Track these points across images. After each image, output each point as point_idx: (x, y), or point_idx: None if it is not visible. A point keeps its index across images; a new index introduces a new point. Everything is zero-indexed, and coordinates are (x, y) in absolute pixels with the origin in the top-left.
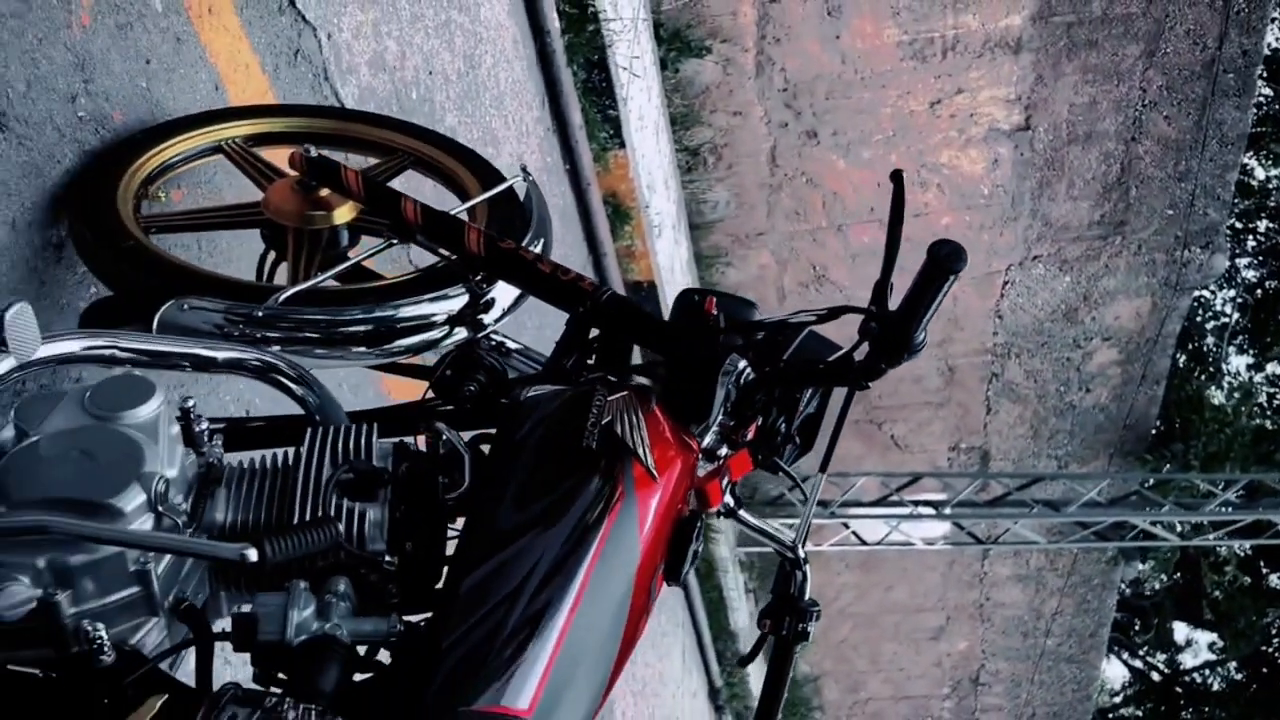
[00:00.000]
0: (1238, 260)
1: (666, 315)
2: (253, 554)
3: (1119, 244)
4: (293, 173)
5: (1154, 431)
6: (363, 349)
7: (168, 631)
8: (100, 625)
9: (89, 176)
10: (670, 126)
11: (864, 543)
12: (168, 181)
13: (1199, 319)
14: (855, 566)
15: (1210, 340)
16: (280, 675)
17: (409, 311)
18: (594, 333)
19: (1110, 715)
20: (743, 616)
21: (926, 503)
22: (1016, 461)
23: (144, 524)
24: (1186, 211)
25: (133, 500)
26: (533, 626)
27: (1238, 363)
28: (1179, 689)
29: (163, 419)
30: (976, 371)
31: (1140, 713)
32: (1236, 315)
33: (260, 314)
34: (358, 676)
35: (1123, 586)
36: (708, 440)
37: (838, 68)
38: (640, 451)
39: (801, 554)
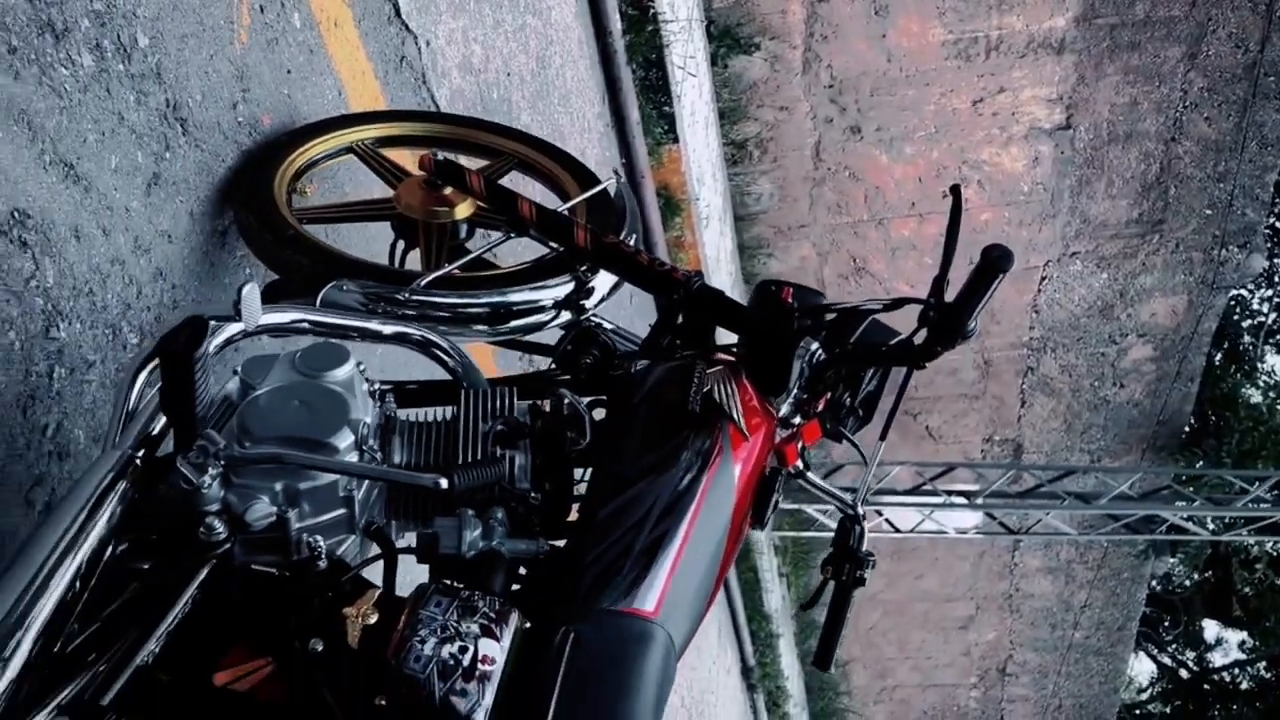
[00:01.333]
0: (1275, 260)
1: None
2: (444, 482)
3: (1156, 242)
4: (421, 173)
5: (1187, 428)
6: (484, 328)
7: (359, 548)
8: (319, 538)
9: (249, 174)
10: (718, 121)
11: (897, 530)
12: (307, 178)
13: (1235, 318)
14: (887, 554)
15: (1246, 339)
16: (456, 584)
17: (524, 297)
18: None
19: (1137, 711)
20: (775, 599)
21: (959, 493)
22: (1049, 455)
23: (351, 459)
24: (1225, 211)
25: (344, 440)
26: (655, 548)
27: (1273, 362)
28: (1207, 687)
29: (356, 378)
30: (1012, 365)
31: (1168, 710)
32: (1273, 315)
33: (405, 296)
34: (514, 587)
35: (1153, 582)
36: (784, 410)
37: (883, 65)
38: (734, 415)
39: (860, 511)
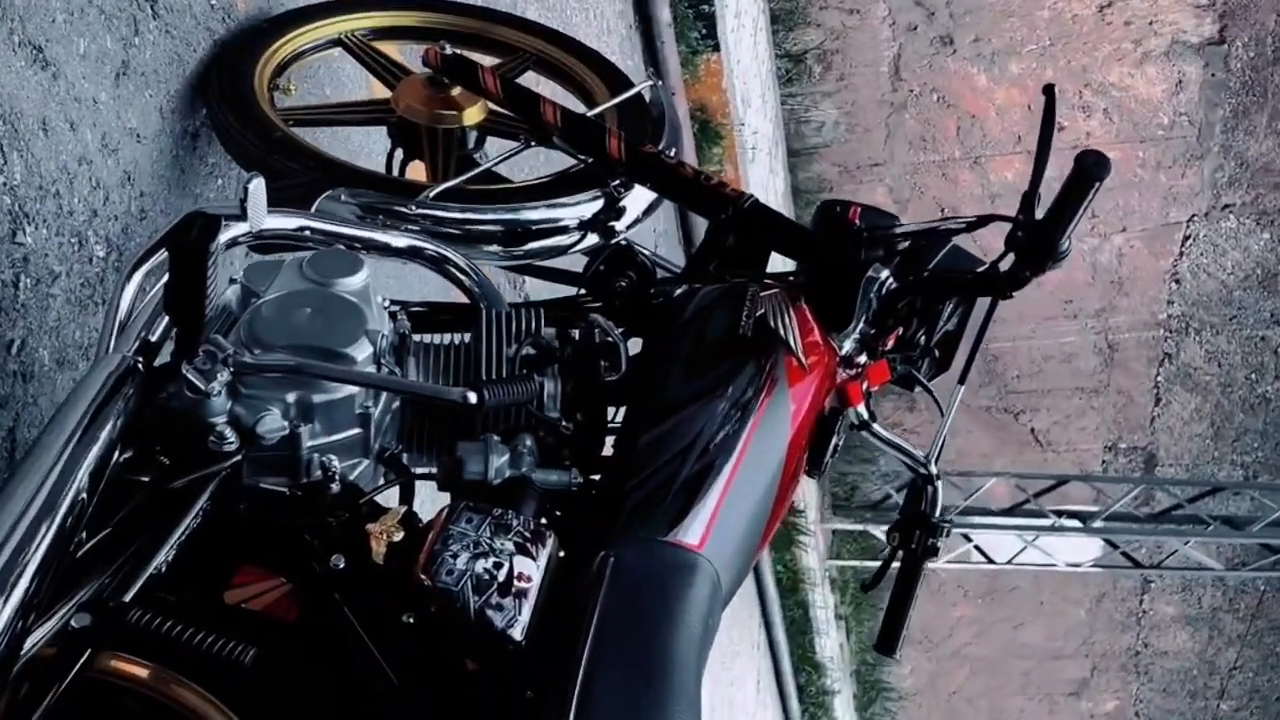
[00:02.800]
0: None
1: None
2: (472, 396)
3: None
4: (425, 70)
5: None
6: (498, 249)
7: (374, 476)
8: (333, 458)
9: (225, 66)
10: (770, 27)
11: (991, 561)
12: (290, 74)
13: None
14: (977, 596)
15: None
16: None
17: (545, 214)
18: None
19: None
20: (830, 644)
21: (1072, 514)
22: (1191, 468)
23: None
24: None
25: (362, 351)
26: (701, 479)
27: None
28: None
29: (371, 289)
30: (1144, 351)
31: None
32: None
33: (410, 209)
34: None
35: None
36: (847, 346)
37: None
38: (791, 342)
39: (934, 470)
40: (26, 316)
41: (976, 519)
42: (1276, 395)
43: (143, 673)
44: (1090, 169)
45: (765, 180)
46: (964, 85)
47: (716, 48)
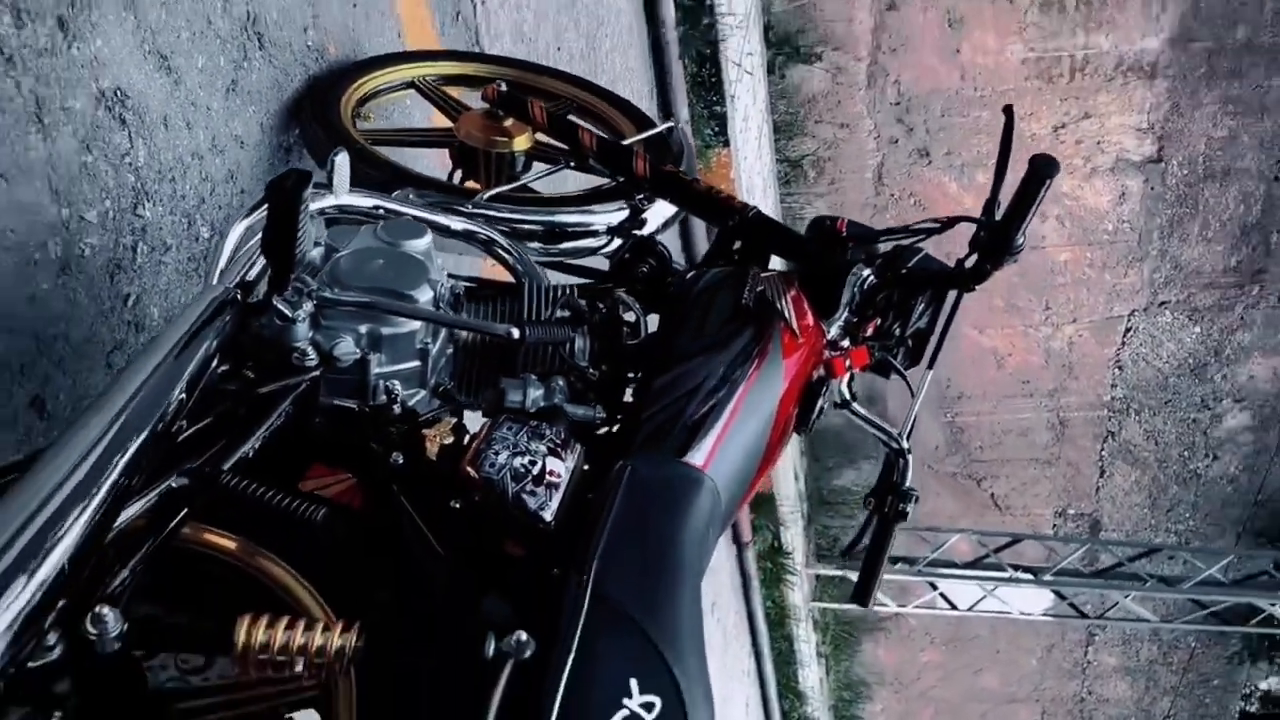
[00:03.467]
0: None
1: None
2: (516, 331)
3: (1256, 294)
4: (482, 106)
5: None
6: (538, 245)
7: (428, 404)
8: (396, 384)
9: (317, 94)
10: (773, 135)
11: (954, 607)
12: (369, 106)
13: None
14: (942, 643)
15: None
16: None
17: (579, 219)
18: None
19: None
20: (812, 676)
21: (1026, 568)
22: (1130, 532)
23: None
24: None
25: (425, 295)
26: (707, 415)
27: None
28: None
29: (432, 250)
30: (1091, 428)
31: None
32: None
33: (467, 208)
34: None
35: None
36: (833, 331)
37: (956, 83)
38: (786, 314)
39: (905, 445)
40: (141, 278)
41: (942, 570)
42: (1205, 471)
43: (230, 544)
44: (1041, 169)
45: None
46: (937, 191)
47: (726, 144)
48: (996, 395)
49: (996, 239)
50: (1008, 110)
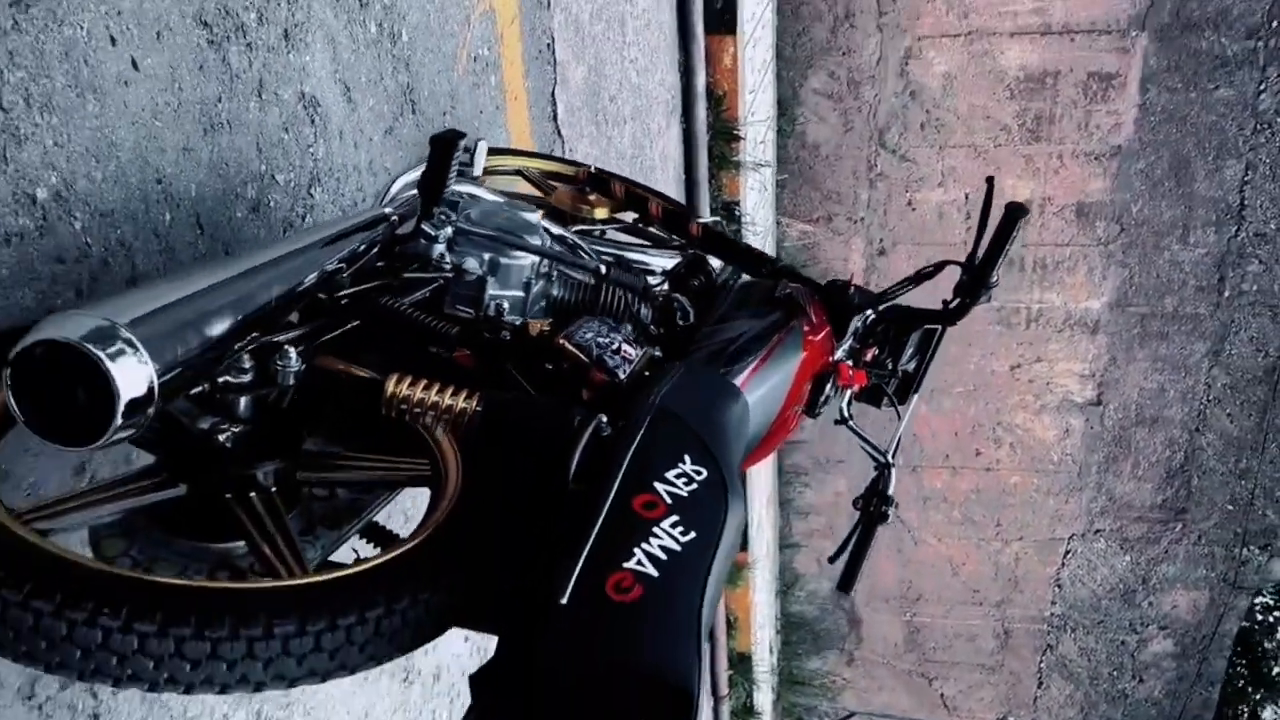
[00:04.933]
0: None
1: None
2: (603, 267)
3: (1179, 531)
4: (568, 186)
5: None
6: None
7: None
8: (505, 303)
9: None
10: None
11: None
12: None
13: (1259, 632)
14: None
15: (1272, 646)
16: None
17: (642, 257)
18: None
19: None
20: None
21: None
22: None
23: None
24: (1246, 509)
25: (535, 239)
26: (743, 352)
27: None
28: None
29: (540, 223)
30: (1032, 640)
31: None
32: None
33: (566, 234)
34: None
35: None
36: (839, 354)
37: None
38: (809, 312)
39: (891, 460)
40: None
41: None
42: (1133, 692)
43: (363, 373)
44: (1014, 213)
45: (756, 466)
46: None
47: None
48: (950, 600)
49: (976, 277)
50: (989, 181)
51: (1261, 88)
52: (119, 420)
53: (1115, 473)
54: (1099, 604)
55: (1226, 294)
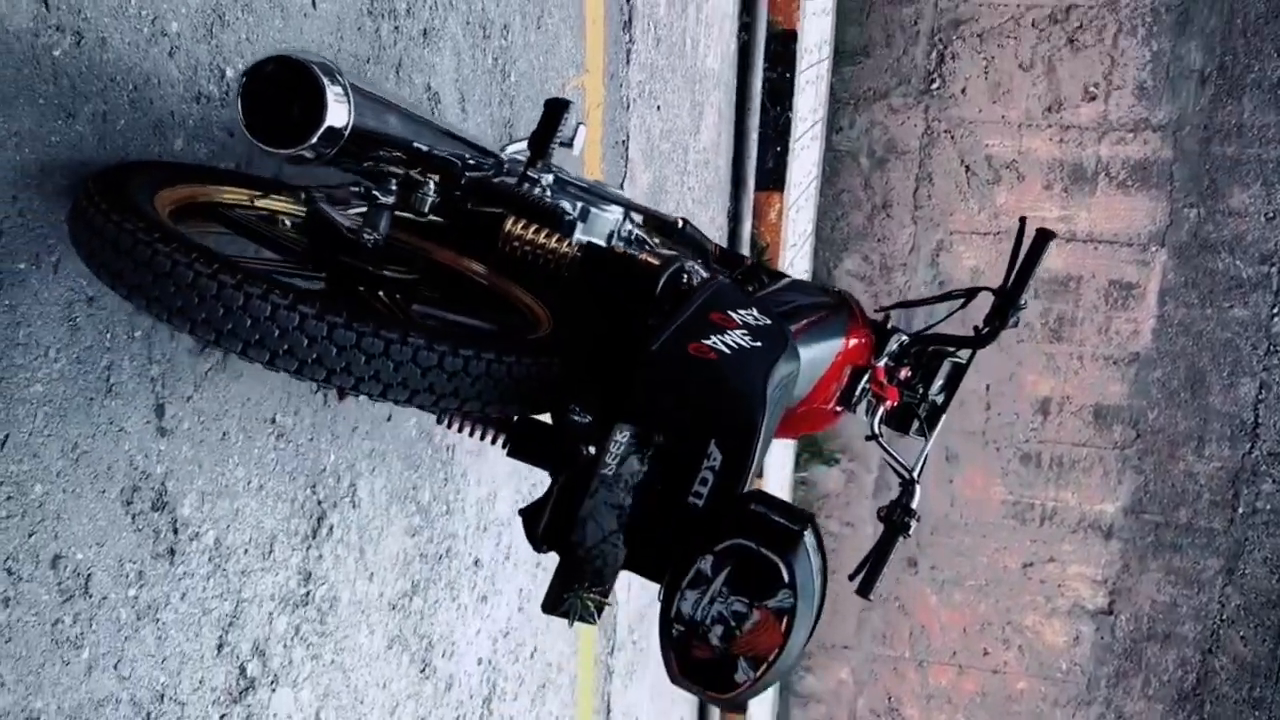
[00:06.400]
0: None
1: None
2: (680, 221)
3: None
4: None
5: None
6: None
7: None
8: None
9: None
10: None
11: None
12: None
13: None
14: None
15: None
16: None
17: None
18: None
19: None
20: None
21: None
22: None
23: (620, 211)
24: None
25: (619, 196)
26: (796, 312)
27: None
28: None
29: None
30: None
31: None
32: None
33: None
34: None
35: None
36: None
37: (946, 508)
38: (857, 311)
39: (915, 476)
40: None
41: None
42: None
43: (480, 268)
44: (1043, 236)
45: None
46: (919, 600)
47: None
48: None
49: (1006, 299)
50: (1022, 221)
51: (1274, 311)
52: (315, 139)
53: (1125, 689)
54: None
55: (1241, 510)
